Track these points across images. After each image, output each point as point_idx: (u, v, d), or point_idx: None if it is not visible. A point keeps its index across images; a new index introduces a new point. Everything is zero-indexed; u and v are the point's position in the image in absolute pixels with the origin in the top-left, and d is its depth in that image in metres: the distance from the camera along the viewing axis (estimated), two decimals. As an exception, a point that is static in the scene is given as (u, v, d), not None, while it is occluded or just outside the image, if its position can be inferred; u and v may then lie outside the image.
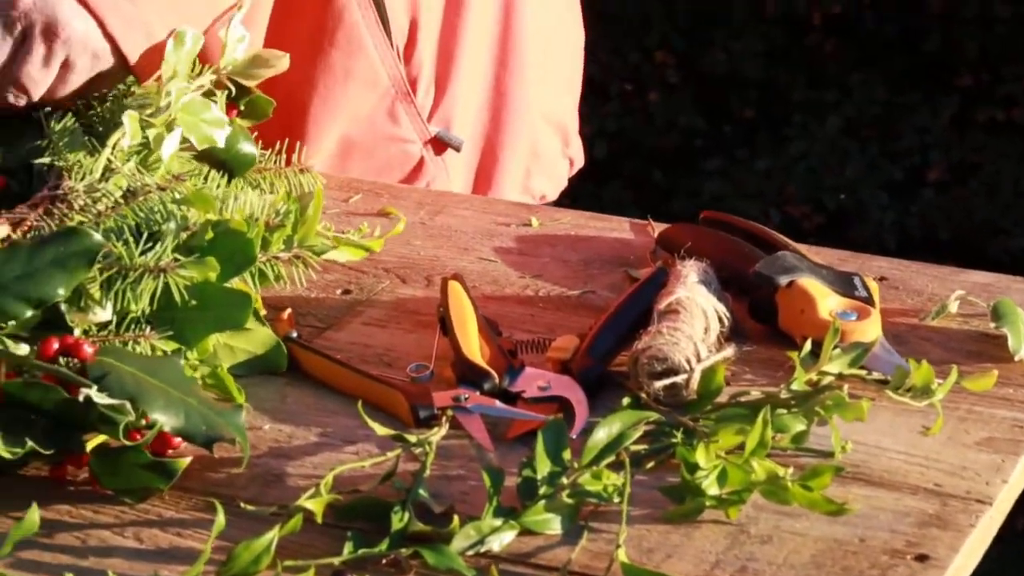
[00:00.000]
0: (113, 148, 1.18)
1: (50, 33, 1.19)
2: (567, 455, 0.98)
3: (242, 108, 1.32)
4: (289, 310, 1.18)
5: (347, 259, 1.23)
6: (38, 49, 1.20)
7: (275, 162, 1.30)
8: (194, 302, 1.07)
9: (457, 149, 1.50)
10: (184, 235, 1.10)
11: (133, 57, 1.21)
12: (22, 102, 1.22)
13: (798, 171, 3.60)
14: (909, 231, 3.51)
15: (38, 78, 1.21)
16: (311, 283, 1.21)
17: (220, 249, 1.09)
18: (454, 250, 1.32)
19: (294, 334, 1.16)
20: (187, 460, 1.00)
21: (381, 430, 1.01)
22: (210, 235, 1.10)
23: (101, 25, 1.20)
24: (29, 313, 1.03)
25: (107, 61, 1.22)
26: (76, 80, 1.22)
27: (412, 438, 1.01)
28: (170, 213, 1.11)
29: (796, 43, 3.81)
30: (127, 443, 1.00)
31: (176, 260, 1.07)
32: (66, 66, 1.21)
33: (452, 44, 1.48)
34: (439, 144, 1.50)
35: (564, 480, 0.97)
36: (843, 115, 3.67)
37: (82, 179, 1.14)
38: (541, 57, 1.55)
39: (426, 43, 1.46)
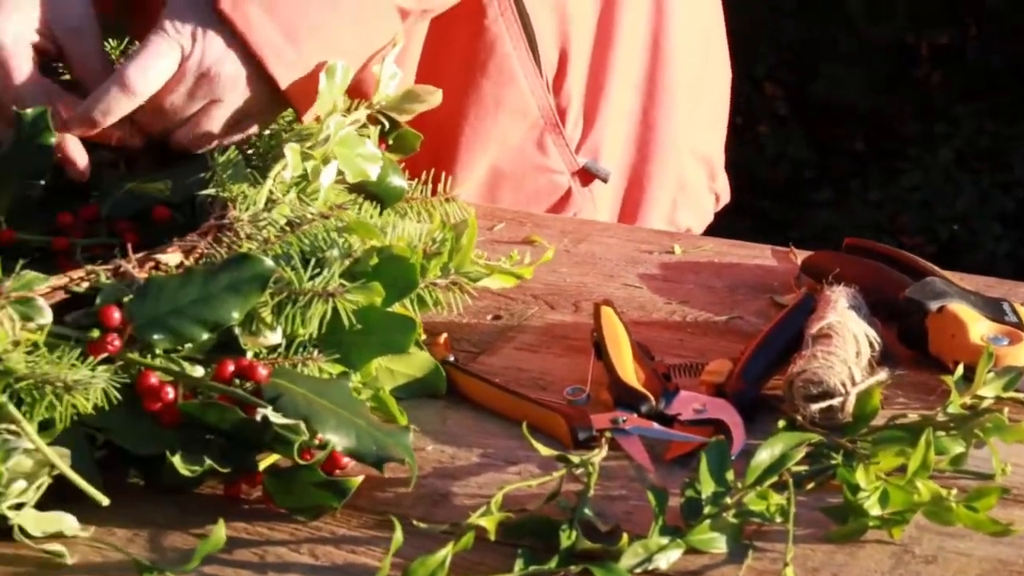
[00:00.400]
0: (274, 179, 1.21)
1: (199, 68, 1.21)
2: (730, 475, 1.00)
3: (391, 142, 1.35)
4: (445, 335, 1.21)
5: (499, 286, 1.26)
6: (186, 80, 1.22)
7: (422, 192, 1.33)
8: (360, 326, 1.10)
9: (604, 180, 1.52)
10: (347, 261, 1.13)
11: (295, 96, 1.23)
12: (158, 126, 1.23)
13: (910, 202, 3.59)
14: (1024, 261, 3.49)
15: (181, 106, 1.22)
16: (462, 309, 1.24)
17: (384, 275, 1.12)
18: (599, 277, 1.34)
19: (451, 358, 1.19)
20: (359, 479, 1.03)
21: (545, 451, 1.04)
22: (375, 261, 1.13)
23: (261, 66, 1.21)
24: (205, 336, 1.06)
25: (246, 96, 1.23)
26: (221, 115, 1.23)
27: (575, 459, 1.04)
28: (333, 241, 1.14)
29: (903, 74, 3.81)
30: (300, 462, 1.03)
31: (343, 286, 1.10)
32: (214, 103, 1.23)
33: (601, 77, 1.50)
34: (586, 175, 1.52)
35: (728, 500, 0.99)
36: (952, 146, 3.65)
37: (246, 209, 1.17)
38: (689, 91, 1.56)
39: (575, 75, 1.49)
